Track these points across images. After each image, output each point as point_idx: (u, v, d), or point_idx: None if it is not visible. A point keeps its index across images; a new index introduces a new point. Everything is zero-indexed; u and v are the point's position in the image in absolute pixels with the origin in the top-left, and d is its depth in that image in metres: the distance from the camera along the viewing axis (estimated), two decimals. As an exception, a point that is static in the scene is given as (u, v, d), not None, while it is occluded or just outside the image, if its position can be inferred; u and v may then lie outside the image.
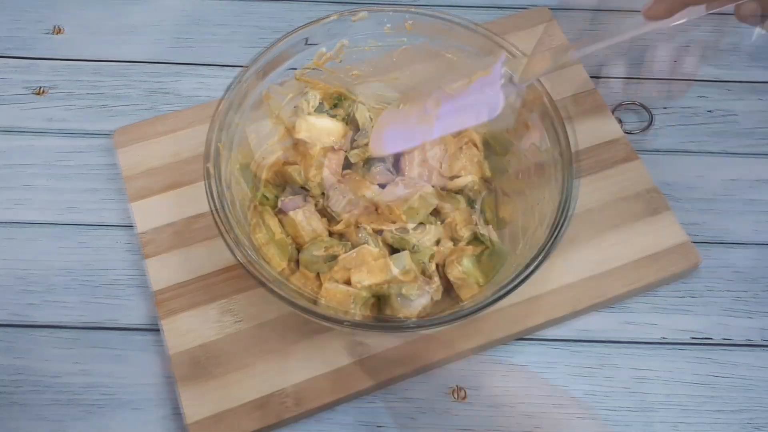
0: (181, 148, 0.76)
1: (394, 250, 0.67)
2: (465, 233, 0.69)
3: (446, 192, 0.71)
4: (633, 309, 0.71)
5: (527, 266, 0.60)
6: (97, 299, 0.71)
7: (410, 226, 0.67)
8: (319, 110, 0.71)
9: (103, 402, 0.66)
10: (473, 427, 0.66)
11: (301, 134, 0.70)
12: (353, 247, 0.67)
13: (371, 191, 0.70)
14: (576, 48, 0.60)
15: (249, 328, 0.67)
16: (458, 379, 0.68)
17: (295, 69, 0.70)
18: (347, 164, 0.72)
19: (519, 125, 0.69)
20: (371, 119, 0.72)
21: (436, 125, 0.64)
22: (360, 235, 0.67)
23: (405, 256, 0.65)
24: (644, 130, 0.81)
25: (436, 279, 0.66)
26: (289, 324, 0.67)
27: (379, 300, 0.66)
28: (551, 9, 0.85)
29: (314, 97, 0.71)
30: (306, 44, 0.69)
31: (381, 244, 0.67)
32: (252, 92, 0.68)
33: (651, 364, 0.68)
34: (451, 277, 0.66)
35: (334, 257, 0.66)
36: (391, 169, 0.72)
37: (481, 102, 0.62)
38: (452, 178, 0.72)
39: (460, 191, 0.71)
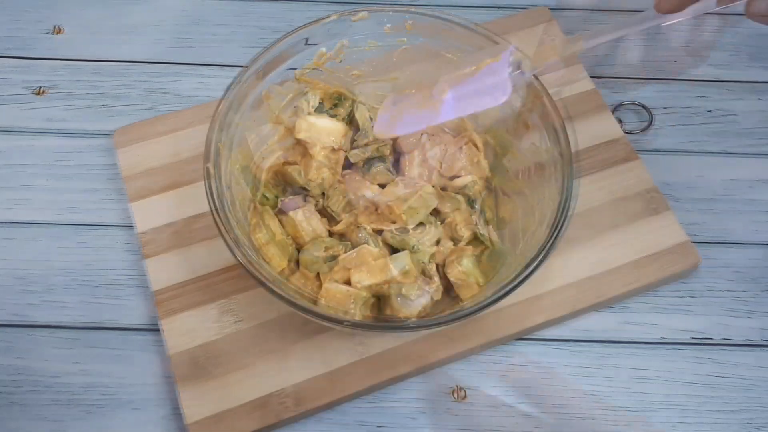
0: (180, 148, 0.76)
1: (394, 250, 0.67)
2: (465, 233, 0.69)
3: (446, 192, 0.71)
4: (633, 309, 0.71)
5: (527, 266, 0.60)
6: (96, 299, 0.71)
7: (410, 226, 0.67)
8: (319, 110, 0.71)
9: (103, 402, 0.66)
10: (473, 427, 0.66)
11: (301, 134, 0.70)
12: (353, 247, 0.67)
13: (371, 191, 0.70)
14: (586, 38, 0.60)
15: (249, 328, 0.67)
16: (458, 379, 0.68)
17: (295, 69, 0.70)
18: (347, 164, 0.72)
19: (519, 125, 0.69)
20: (371, 119, 0.72)
21: (442, 110, 0.64)
22: (360, 235, 0.67)
23: (405, 256, 0.65)
24: (644, 130, 0.81)
25: (436, 279, 0.66)
26: (289, 324, 0.67)
27: (379, 300, 0.66)
28: (551, 9, 0.86)
29: (314, 97, 0.71)
30: (306, 44, 0.69)
31: (381, 244, 0.67)
32: (252, 92, 0.68)
33: (651, 364, 0.68)
34: (451, 277, 0.66)
35: (334, 257, 0.66)
36: (391, 169, 0.73)
37: (489, 88, 0.62)
38: (452, 178, 0.72)
39: (460, 191, 0.71)
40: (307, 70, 0.71)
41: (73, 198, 0.76)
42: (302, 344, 0.67)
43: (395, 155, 0.74)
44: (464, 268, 0.66)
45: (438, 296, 0.65)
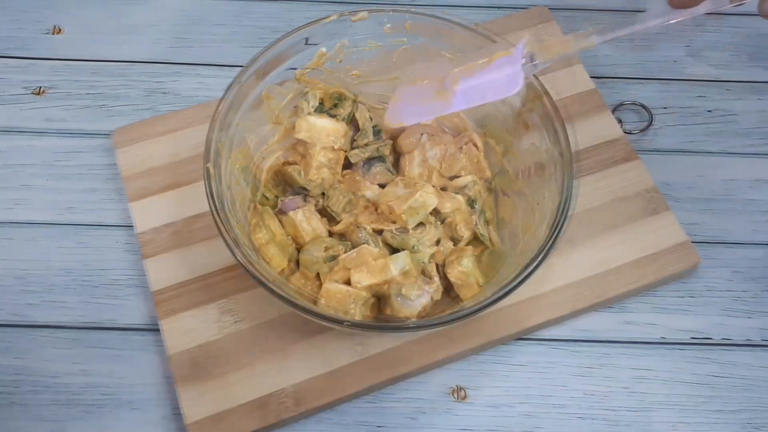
0: (180, 148, 0.76)
1: (394, 250, 0.67)
2: (465, 233, 0.69)
3: (446, 192, 0.71)
4: (633, 309, 0.71)
5: (527, 266, 0.60)
6: (96, 299, 0.71)
7: (410, 226, 0.67)
8: (319, 110, 0.71)
9: (103, 402, 0.66)
10: (473, 427, 0.66)
11: (301, 134, 0.70)
12: (353, 247, 0.67)
13: (371, 191, 0.70)
14: (599, 33, 0.60)
15: (249, 328, 0.67)
16: (458, 379, 0.68)
17: (294, 69, 0.70)
18: (347, 164, 0.72)
19: (519, 125, 0.69)
20: (371, 119, 0.72)
21: (454, 100, 0.64)
22: (360, 235, 0.67)
23: (405, 256, 0.65)
24: (644, 130, 0.81)
25: (436, 279, 0.66)
26: (289, 324, 0.67)
27: (379, 300, 0.66)
28: (551, 9, 0.86)
29: (314, 97, 0.71)
30: (306, 44, 0.69)
31: (381, 244, 0.67)
32: (252, 92, 0.68)
33: (650, 364, 0.69)
34: (451, 277, 0.66)
35: (334, 257, 0.66)
36: (391, 169, 0.73)
37: (502, 79, 0.62)
38: (452, 178, 0.72)
39: (460, 191, 0.71)
40: (307, 70, 0.71)
41: (72, 198, 0.76)
42: (302, 344, 0.67)
43: (395, 155, 0.74)
44: (464, 268, 0.66)
45: (438, 296, 0.65)
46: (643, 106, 0.82)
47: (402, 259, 0.65)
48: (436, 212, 0.69)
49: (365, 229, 0.68)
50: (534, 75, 0.66)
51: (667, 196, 0.75)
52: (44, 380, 0.67)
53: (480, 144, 0.73)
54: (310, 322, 0.63)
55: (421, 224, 0.67)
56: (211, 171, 0.63)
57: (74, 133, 0.80)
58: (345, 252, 0.67)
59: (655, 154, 0.80)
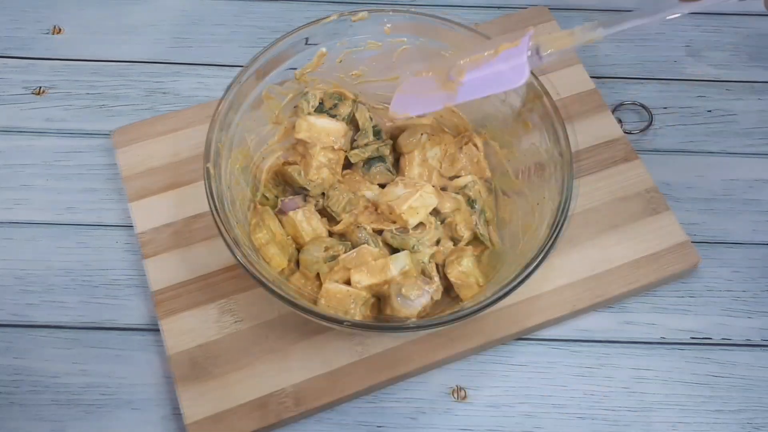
0: (180, 148, 0.76)
1: (394, 250, 0.67)
2: (465, 233, 0.69)
3: (446, 192, 0.71)
4: (632, 309, 0.71)
5: (527, 266, 0.60)
6: (96, 299, 0.71)
7: (410, 226, 0.67)
8: (319, 110, 0.71)
9: (103, 402, 0.66)
10: (473, 427, 0.66)
11: (301, 134, 0.70)
12: (353, 247, 0.67)
13: (371, 191, 0.70)
14: (605, 25, 0.59)
15: (249, 328, 0.67)
16: (458, 379, 0.68)
17: (294, 69, 0.70)
18: (347, 164, 0.72)
19: (519, 125, 0.69)
20: (371, 119, 0.72)
21: (459, 91, 0.64)
22: (360, 235, 0.67)
23: (405, 256, 0.65)
24: (644, 130, 0.81)
25: (436, 279, 0.66)
26: (289, 324, 0.67)
27: (379, 300, 0.66)
28: (550, 9, 0.86)
29: (314, 97, 0.71)
30: (306, 44, 0.69)
31: (381, 244, 0.67)
32: (252, 92, 0.68)
33: (650, 364, 0.69)
34: (451, 277, 0.66)
35: (334, 257, 0.66)
36: (391, 169, 0.72)
37: (507, 71, 0.62)
38: (452, 178, 0.72)
39: (460, 191, 0.71)
40: (307, 70, 0.71)
41: (72, 198, 0.76)
42: (302, 344, 0.67)
43: (395, 155, 0.74)
44: (464, 268, 0.66)
45: (438, 296, 0.65)
46: (643, 106, 0.82)
47: (402, 259, 0.65)
48: (436, 212, 0.69)
49: (365, 229, 0.68)
50: (534, 75, 0.66)
51: (667, 196, 0.75)
52: (44, 380, 0.67)
53: (480, 144, 0.73)
54: (310, 322, 0.63)
55: (421, 224, 0.67)
56: (211, 171, 0.63)
57: (74, 133, 0.80)
58: (345, 252, 0.67)
59: (655, 154, 0.80)
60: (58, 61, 0.85)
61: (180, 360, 0.66)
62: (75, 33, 0.87)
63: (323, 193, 0.70)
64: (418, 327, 0.61)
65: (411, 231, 0.67)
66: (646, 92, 0.84)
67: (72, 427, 0.65)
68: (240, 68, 0.67)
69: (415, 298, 0.63)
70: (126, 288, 0.71)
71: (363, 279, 0.64)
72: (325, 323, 0.60)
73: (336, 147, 0.70)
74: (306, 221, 0.68)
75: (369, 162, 0.72)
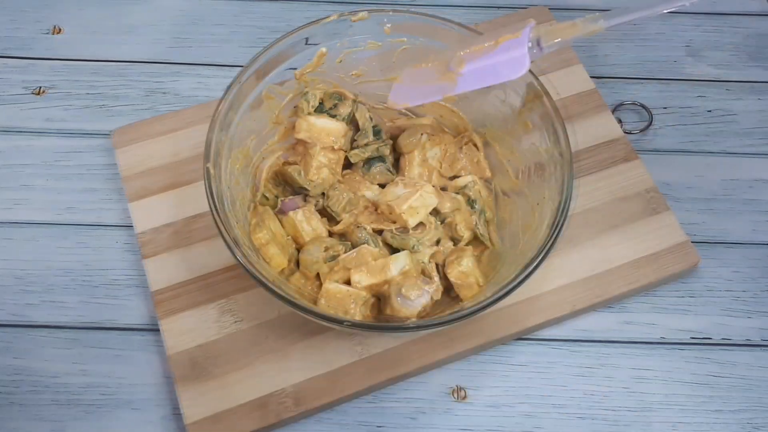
0: (180, 148, 0.76)
1: (394, 250, 0.67)
2: (465, 233, 0.69)
3: (446, 192, 0.71)
4: (632, 309, 0.71)
5: (527, 266, 0.60)
6: (96, 299, 0.71)
7: (410, 226, 0.67)
8: (319, 110, 0.71)
9: (103, 402, 0.66)
10: (473, 427, 0.66)
11: (301, 134, 0.70)
12: (353, 247, 0.67)
13: (371, 191, 0.70)
14: (606, 17, 0.59)
15: (248, 328, 0.67)
16: (458, 379, 0.68)
17: (294, 69, 0.70)
18: (347, 164, 0.72)
19: (519, 125, 0.69)
20: (371, 119, 0.72)
21: (459, 82, 0.64)
22: (360, 235, 0.67)
23: (405, 256, 0.65)
24: (644, 130, 0.81)
25: (436, 279, 0.66)
26: (289, 324, 0.67)
27: (379, 300, 0.66)
28: (550, 9, 0.86)
29: (314, 97, 0.71)
30: (306, 44, 0.69)
31: (381, 244, 0.67)
32: (252, 92, 0.68)
33: (650, 364, 0.69)
34: (451, 277, 0.66)
35: (334, 257, 0.66)
36: (391, 169, 0.73)
37: (507, 62, 0.62)
38: (452, 178, 0.72)
39: (460, 191, 0.71)
40: (307, 70, 0.71)
41: (72, 198, 0.76)
42: (302, 344, 0.67)
43: (395, 155, 0.74)
44: (464, 268, 0.66)
45: (438, 296, 0.65)
46: (643, 106, 0.82)
47: (402, 259, 0.65)
48: (436, 212, 0.69)
49: (365, 229, 0.68)
50: (534, 75, 0.66)
51: (666, 196, 0.75)
52: (44, 380, 0.67)
53: (480, 144, 0.73)
54: (310, 322, 0.63)
55: (421, 224, 0.67)
56: (211, 171, 0.63)
57: (74, 133, 0.80)
58: (345, 252, 0.67)
59: (654, 154, 0.80)
60: (58, 61, 0.85)
61: (180, 360, 0.66)
62: (75, 33, 0.87)
63: (323, 193, 0.70)
64: (418, 327, 0.61)
65: (411, 231, 0.67)
66: (646, 92, 0.84)
67: (72, 427, 0.65)
68: (240, 68, 0.67)
69: (415, 298, 0.63)
70: (126, 288, 0.71)
71: (363, 279, 0.64)
72: (325, 323, 0.60)
73: (336, 147, 0.70)
74: (306, 221, 0.68)
75: (369, 162, 0.72)
